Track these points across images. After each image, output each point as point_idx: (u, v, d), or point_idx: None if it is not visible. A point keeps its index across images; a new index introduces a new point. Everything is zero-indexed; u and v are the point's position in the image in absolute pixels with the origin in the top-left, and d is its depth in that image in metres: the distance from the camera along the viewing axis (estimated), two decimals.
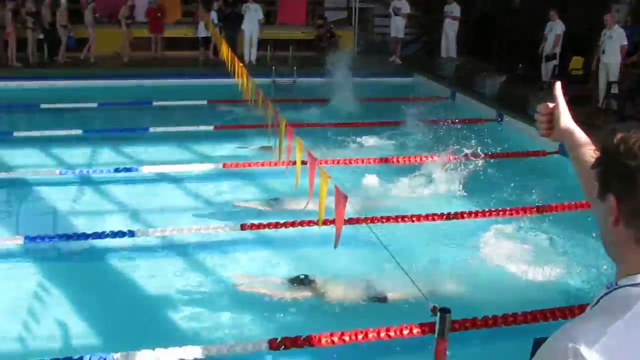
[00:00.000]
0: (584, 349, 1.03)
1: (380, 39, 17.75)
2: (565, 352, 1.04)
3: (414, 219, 6.05)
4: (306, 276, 5.06)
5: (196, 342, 4.10)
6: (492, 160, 7.83)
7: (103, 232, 5.67)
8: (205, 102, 11.41)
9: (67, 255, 5.83)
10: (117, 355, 3.88)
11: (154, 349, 3.90)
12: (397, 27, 15.70)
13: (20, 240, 5.62)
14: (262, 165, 7.76)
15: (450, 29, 15.04)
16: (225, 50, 10.17)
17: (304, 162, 5.32)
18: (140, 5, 15.57)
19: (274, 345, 4.05)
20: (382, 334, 4.09)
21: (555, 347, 1.08)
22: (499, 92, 12.08)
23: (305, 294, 4.98)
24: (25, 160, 8.34)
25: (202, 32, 15.25)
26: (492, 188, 7.12)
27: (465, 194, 7.13)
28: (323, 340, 4.05)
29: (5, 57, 13.86)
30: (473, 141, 7.73)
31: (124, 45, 15.05)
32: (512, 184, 7.01)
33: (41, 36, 14.17)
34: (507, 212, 6.38)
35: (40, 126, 9.49)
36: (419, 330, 4.07)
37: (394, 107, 10.79)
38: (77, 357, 3.88)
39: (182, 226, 6.00)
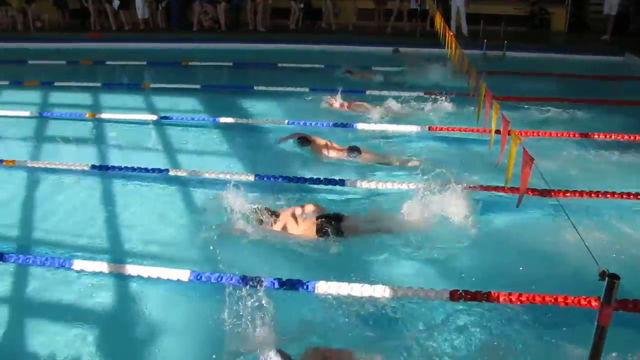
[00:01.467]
0: None
1: (594, 17, 17.42)
2: None
3: (607, 195, 5.99)
4: None
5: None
6: None
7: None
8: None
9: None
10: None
11: (349, 283, 4.54)
12: (611, 4, 15.18)
13: (252, 177, 6.91)
14: (465, 130, 8.29)
15: None
16: (438, 22, 11.23)
17: (497, 132, 5.94)
18: None
19: (455, 296, 4.37)
20: (560, 300, 4.23)
21: None
22: None
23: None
24: (260, 110, 10.08)
25: (413, 5, 16.65)
26: None
27: None
28: (501, 299, 4.29)
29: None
30: None
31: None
32: None
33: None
34: None
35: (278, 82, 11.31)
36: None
37: (597, 86, 10.92)
38: None
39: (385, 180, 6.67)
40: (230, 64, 13.54)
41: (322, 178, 6.75)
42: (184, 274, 5.01)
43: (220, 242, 5.33)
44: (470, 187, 5.87)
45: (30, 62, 14.54)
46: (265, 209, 5.59)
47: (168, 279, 5.01)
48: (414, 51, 13.57)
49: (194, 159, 8.05)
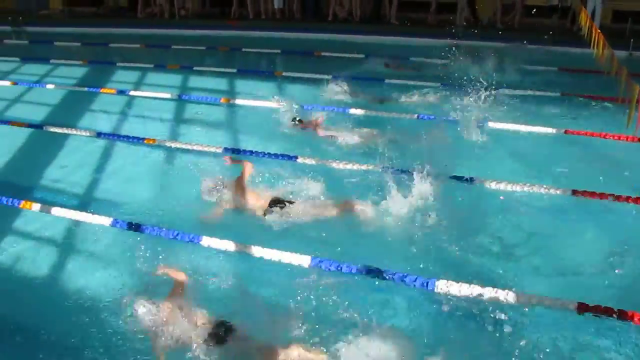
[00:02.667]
0: None
1: None
2: None
3: None
4: None
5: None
6: None
7: None
8: (555, 69, 11.89)
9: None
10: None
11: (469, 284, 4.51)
12: None
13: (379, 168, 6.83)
14: (606, 137, 7.76)
15: None
16: (584, 18, 10.54)
17: None
18: None
19: (582, 308, 4.15)
20: None
21: None
22: None
23: None
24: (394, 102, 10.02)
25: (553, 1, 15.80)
26: None
27: None
28: (636, 319, 4.00)
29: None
30: None
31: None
32: None
33: None
34: None
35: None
36: None
37: None
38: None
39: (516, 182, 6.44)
40: (362, 55, 13.54)
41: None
42: (305, 260, 5.13)
43: None
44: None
45: (173, 47, 15.39)
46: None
47: (289, 263, 5.14)
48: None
49: (321, 149, 8.14)
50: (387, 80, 11.32)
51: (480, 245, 5.45)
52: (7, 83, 12.71)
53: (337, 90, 10.26)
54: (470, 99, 8.68)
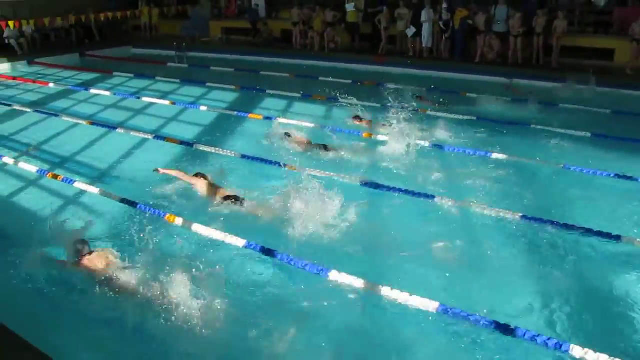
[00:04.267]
0: None
1: None
2: None
3: None
4: None
5: None
6: None
7: None
8: None
9: None
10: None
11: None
12: None
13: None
14: None
15: None
16: None
17: None
18: None
19: None
20: None
21: None
22: None
23: None
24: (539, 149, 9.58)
25: None
26: None
27: None
28: None
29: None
30: None
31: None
32: None
33: None
34: None
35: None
36: None
37: None
38: None
39: None
40: (509, 99, 13.08)
41: None
42: (432, 305, 5.04)
43: None
44: None
45: (320, 78, 15.77)
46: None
47: (418, 308, 5.06)
48: None
49: (457, 187, 7.95)
50: (532, 126, 10.80)
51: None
52: (166, 102, 13.66)
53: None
54: None
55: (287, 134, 9.83)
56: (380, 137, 10.03)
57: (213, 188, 7.53)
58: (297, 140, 9.71)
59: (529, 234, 6.57)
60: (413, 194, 7.47)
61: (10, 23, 20.74)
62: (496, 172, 8.42)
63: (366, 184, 7.86)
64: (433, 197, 7.32)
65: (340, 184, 7.74)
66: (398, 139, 9.32)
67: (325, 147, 9.33)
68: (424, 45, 18.31)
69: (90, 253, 5.87)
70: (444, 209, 7.14)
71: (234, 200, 7.21)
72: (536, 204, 7.34)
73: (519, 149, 9.34)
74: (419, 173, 8.47)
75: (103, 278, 5.60)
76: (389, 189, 7.65)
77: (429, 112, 11.88)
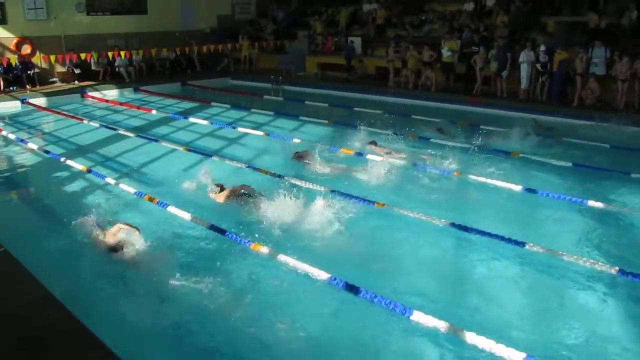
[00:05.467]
0: None
1: None
2: None
3: None
4: None
5: None
6: None
7: None
8: None
9: None
10: None
11: None
12: None
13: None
14: None
15: None
16: None
17: None
18: None
19: None
20: None
21: None
22: None
23: None
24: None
25: None
26: None
27: None
28: None
29: None
30: None
31: None
32: None
33: None
34: None
35: None
36: None
37: None
38: None
39: None
40: (607, 145, 12.60)
41: None
42: (519, 356, 4.95)
43: None
44: None
45: (413, 116, 15.81)
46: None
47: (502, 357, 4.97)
48: None
49: (553, 236, 7.73)
50: (632, 175, 10.35)
51: None
52: (260, 133, 14.12)
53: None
54: None
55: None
56: (472, 177, 9.97)
57: (228, 192, 8.83)
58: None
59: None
60: (502, 238, 7.35)
61: (122, 53, 22.26)
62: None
63: (453, 225, 7.80)
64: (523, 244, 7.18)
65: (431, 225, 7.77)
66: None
67: None
68: (522, 87, 18.02)
69: None
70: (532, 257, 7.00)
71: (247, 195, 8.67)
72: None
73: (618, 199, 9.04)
74: (508, 217, 8.35)
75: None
76: (477, 231, 7.57)
77: (520, 155, 11.67)
